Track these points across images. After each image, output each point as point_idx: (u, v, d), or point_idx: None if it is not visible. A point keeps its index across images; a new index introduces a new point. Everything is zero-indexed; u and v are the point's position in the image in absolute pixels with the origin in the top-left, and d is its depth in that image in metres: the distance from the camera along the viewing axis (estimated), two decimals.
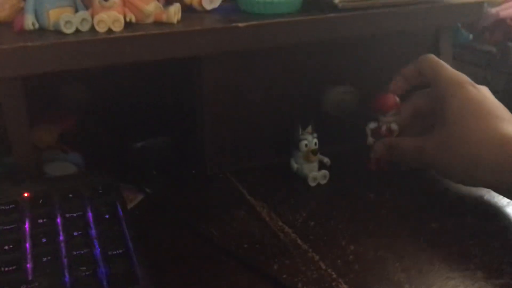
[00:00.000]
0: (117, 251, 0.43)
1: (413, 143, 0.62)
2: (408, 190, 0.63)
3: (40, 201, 0.49)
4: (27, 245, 0.44)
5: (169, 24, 0.57)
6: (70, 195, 0.50)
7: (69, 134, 0.67)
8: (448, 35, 0.74)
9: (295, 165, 0.65)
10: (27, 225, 0.47)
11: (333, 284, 0.48)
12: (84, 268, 0.42)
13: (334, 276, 0.49)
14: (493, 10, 0.95)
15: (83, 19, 0.53)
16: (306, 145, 0.64)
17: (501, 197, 0.59)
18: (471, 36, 0.97)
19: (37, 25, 0.53)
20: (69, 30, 0.52)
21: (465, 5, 0.70)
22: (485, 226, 0.56)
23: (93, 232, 0.46)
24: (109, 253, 0.43)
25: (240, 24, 0.57)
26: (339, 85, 0.68)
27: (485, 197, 0.61)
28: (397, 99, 0.65)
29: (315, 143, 0.64)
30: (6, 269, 0.41)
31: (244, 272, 0.49)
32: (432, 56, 0.65)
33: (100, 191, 0.51)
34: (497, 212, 0.58)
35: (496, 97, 0.97)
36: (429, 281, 0.48)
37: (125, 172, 0.65)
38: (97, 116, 0.69)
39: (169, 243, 0.53)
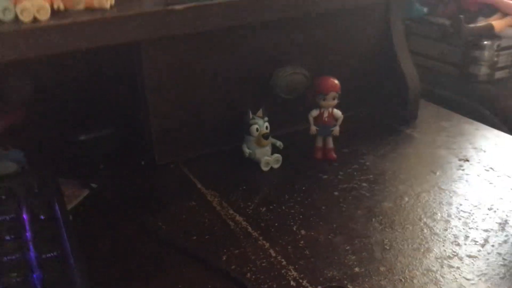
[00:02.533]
0: (52, 254, 0.41)
1: None
2: (362, 170, 0.62)
3: None
4: None
5: (101, 9, 0.53)
6: (3, 197, 0.47)
7: (9, 129, 0.64)
8: (399, 9, 0.72)
9: (247, 151, 0.63)
10: None
11: (283, 271, 0.46)
12: (15, 274, 0.39)
13: (284, 263, 0.47)
14: None
15: (5, 8, 0.49)
16: (257, 129, 0.62)
17: (459, 173, 0.59)
18: (425, 9, 0.96)
19: None
20: None
21: None
22: (441, 205, 0.55)
23: (28, 234, 0.44)
24: (43, 256, 0.41)
25: (177, 7, 0.54)
26: (287, 66, 0.66)
27: (437, 174, 0.61)
28: (336, 81, 0.63)
29: (266, 127, 0.63)
30: None
31: (191, 266, 0.48)
32: None
33: (36, 191, 0.48)
34: (450, 191, 0.58)
35: (452, 70, 0.98)
36: (380, 262, 0.47)
37: (69, 167, 0.62)
38: (38, 110, 0.66)
39: (113, 240, 0.51)
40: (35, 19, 0.50)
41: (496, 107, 0.95)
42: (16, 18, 0.50)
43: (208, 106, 0.65)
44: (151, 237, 0.52)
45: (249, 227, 0.53)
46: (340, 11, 0.68)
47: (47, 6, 0.50)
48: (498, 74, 0.98)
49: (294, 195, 0.58)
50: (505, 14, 0.94)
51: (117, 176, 0.63)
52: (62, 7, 0.52)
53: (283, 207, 0.56)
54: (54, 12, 0.51)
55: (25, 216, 0.46)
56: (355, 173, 0.62)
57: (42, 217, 0.45)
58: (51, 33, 0.49)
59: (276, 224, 0.53)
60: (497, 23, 0.92)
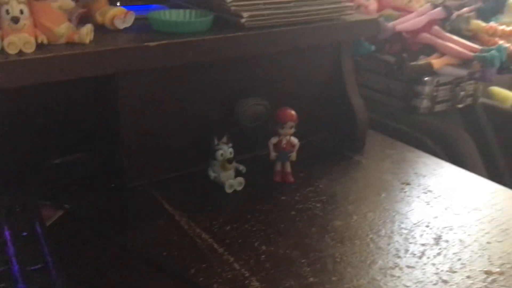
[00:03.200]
0: (36, 266, 0.45)
1: None
2: (316, 192, 0.69)
3: None
4: None
5: (81, 44, 0.58)
6: None
7: None
8: (348, 48, 0.81)
9: (212, 174, 0.69)
10: None
11: (246, 282, 0.52)
12: (3, 285, 0.43)
13: (247, 275, 0.53)
14: (390, 24, 1.04)
15: None
16: (222, 154, 0.68)
17: (404, 192, 0.67)
18: (373, 47, 1.06)
19: None
20: None
21: (363, 22, 0.77)
22: (385, 223, 0.62)
23: (11, 250, 0.47)
24: (27, 269, 0.45)
25: (151, 44, 0.60)
26: (250, 98, 0.72)
27: (382, 196, 0.68)
28: (293, 112, 0.70)
29: (231, 152, 0.68)
30: None
31: (163, 279, 0.52)
32: None
33: (17, 210, 0.52)
34: (393, 210, 0.65)
35: (397, 103, 1.07)
36: (331, 273, 0.53)
37: (43, 189, 0.66)
38: (12, 133, 0.69)
39: (90, 257, 0.55)
40: (20, 52, 0.54)
41: (436, 136, 1.05)
42: (3, 51, 0.54)
43: (176, 132, 0.70)
44: (124, 254, 0.56)
45: (215, 244, 0.58)
46: (296, 49, 0.76)
47: (33, 40, 0.54)
48: (438, 107, 1.08)
49: (255, 215, 0.63)
50: (442, 54, 1.04)
51: (89, 198, 0.66)
52: (45, 41, 0.56)
53: (246, 226, 0.61)
54: (38, 45, 0.56)
55: (7, 233, 0.50)
56: (310, 194, 0.68)
57: (24, 233, 0.49)
58: (35, 65, 0.53)
59: (239, 241, 0.58)
60: (436, 61, 1.02)
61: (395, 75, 1.04)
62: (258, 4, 0.68)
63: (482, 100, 1.15)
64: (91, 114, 0.70)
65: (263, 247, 0.57)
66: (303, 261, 0.55)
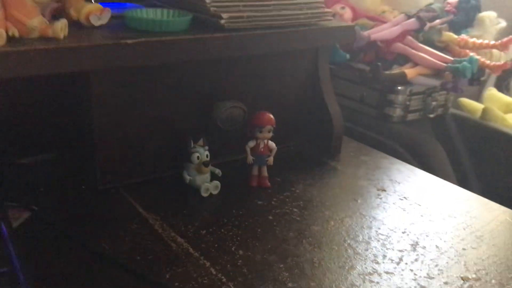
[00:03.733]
0: (2, 270, 0.42)
1: None
2: (293, 197, 0.68)
3: None
4: None
5: (55, 39, 0.56)
6: None
7: None
8: (326, 54, 0.81)
9: (187, 177, 0.67)
10: None
11: (223, 287, 0.50)
12: None
13: (224, 280, 0.51)
14: (366, 33, 1.05)
15: None
16: (198, 157, 0.66)
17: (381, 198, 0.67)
18: (347, 55, 1.06)
19: None
20: None
21: (340, 28, 0.77)
22: (363, 229, 0.62)
23: None
24: None
25: (129, 41, 0.58)
26: (227, 100, 0.71)
27: (359, 202, 0.68)
28: (271, 115, 0.69)
29: (207, 155, 0.67)
30: None
31: (136, 285, 0.50)
32: None
33: None
34: (370, 216, 0.65)
35: (370, 111, 1.08)
36: (310, 278, 0.52)
37: (9, 190, 0.63)
38: None
39: (58, 261, 0.52)
40: None
41: (408, 144, 1.06)
42: None
43: (151, 134, 0.69)
44: (95, 258, 0.54)
45: (190, 248, 0.56)
46: (274, 53, 0.75)
47: (3, 33, 0.52)
48: (410, 116, 1.09)
49: (232, 219, 0.62)
50: (416, 64, 1.06)
51: (58, 199, 0.64)
52: (16, 34, 0.54)
53: (222, 230, 0.60)
54: (8, 39, 0.53)
55: None
56: (287, 199, 0.67)
57: None
58: (6, 59, 0.51)
59: (216, 245, 0.57)
60: (409, 71, 1.04)
61: (369, 83, 1.05)
62: (238, 5, 0.67)
63: (452, 110, 1.17)
64: (61, 112, 0.68)
65: (240, 252, 0.56)
66: (281, 266, 0.54)
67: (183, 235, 0.58)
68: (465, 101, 1.25)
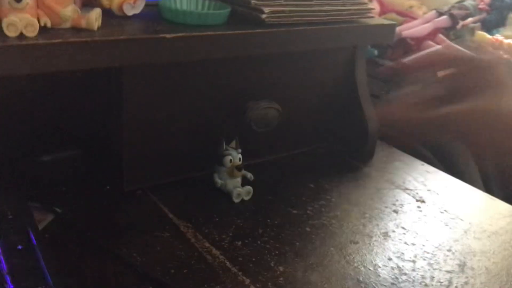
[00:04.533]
0: None
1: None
2: (329, 206, 0.64)
3: None
4: None
5: (88, 30, 0.52)
6: None
7: None
8: (363, 53, 0.77)
9: (219, 181, 0.63)
10: None
11: None
12: None
13: None
14: (397, 29, 1.01)
15: None
16: (230, 160, 0.62)
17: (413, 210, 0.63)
18: (376, 52, 1.02)
19: None
20: None
21: (381, 26, 0.73)
22: (407, 245, 0.58)
23: (4, 266, 0.41)
24: None
25: (168, 35, 0.53)
26: (262, 100, 0.67)
27: (399, 214, 0.64)
28: None
29: (240, 159, 0.63)
30: None
31: None
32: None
33: (10, 217, 0.45)
34: (412, 231, 0.62)
35: None
36: None
37: (31, 190, 0.59)
38: None
39: (89, 272, 0.49)
40: (21, 35, 0.47)
41: (433, 145, 1.02)
42: (1, 33, 0.47)
43: (180, 134, 0.64)
44: (127, 269, 0.50)
45: (227, 262, 0.53)
46: (310, 51, 0.71)
47: (36, 23, 0.47)
48: None
49: (267, 230, 0.58)
50: None
51: (82, 201, 0.60)
52: (49, 24, 0.49)
53: (259, 242, 0.56)
54: (40, 29, 0.49)
55: None
56: (322, 209, 0.64)
57: (19, 247, 0.43)
58: (39, 52, 0.46)
59: (253, 259, 0.53)
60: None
61: (397, 80, 1.00)
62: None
63: None
64: (86, 108, 0.64)
65: (280, 268, 0.52)
66: (325, 286, 0.50)
67: (218, 246, 0.55)
68: None
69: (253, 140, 0.69)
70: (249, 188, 0.64)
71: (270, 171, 0.69)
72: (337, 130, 0.79)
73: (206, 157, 0.65)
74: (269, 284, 0.50)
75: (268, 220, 0.60)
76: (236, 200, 0.63)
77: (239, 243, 0.56)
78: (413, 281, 0.52)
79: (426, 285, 0.52)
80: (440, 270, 0.54)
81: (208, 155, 0.64)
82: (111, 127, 0.62)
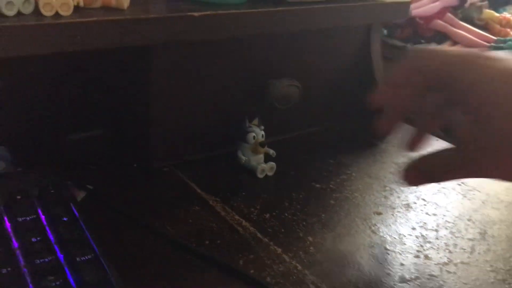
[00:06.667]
0: (86, 257, 0.40)
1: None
2: (351, 180, 0.66)
3: None
4: None
5: (118, 9, 0.53)
6: (18, 196, 0.45)
7: None
8: (379, 31, 0.78)
9: (243, 157, 0.65)
10: None
11: (300, 276, 0.49)
12: (53, 277, 0.38)
13: (300, 268, 0.50)
14: None
15: (26, 0, 0.47)
16: (254, 137, 0.64)
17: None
18: (385, 31, 1.03)
19: None
20: (10, 12, 0.46)
21: (398, 4, 0.74)
22: (428, 215, 0.60)
23: (51, 236, 0.42)
24: (78, 259, 0.40)
25: (196, 14, 0.55)
26: (283, 78, 0.68)
27: (418, 187, 0.66)
28: None
29: (262, 135, 0.65)
30: None
31: (211, 270, 0.48)
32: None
33: (52, 191, 0.47)
34: (433, 203, 0.63)
35: None
36: (386, 268, 0.51)
37: (60, 168, 0.60)
38: (24, 106, 0.63)
39: (127, 244, 0.50)
40: (56, 14, 0.48)
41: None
42: (36, 12, 0.48)
43: (205, 111, 0.66)
44: (163, 242, 0.52)
45: (258, 233, 0.54)
46: (328, 29, 0.72)
47: (70, 1, 0.49)
48: None
49: (293, 203, 0.60)
50: (455, 43, 1.03)
51: (110, 178, 0.61)
52: (82, 3, 0.50)
53: (286, 214, 0.58)
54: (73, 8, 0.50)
55: (43, 217, 0.45)
56: (344, 183, 0.65)
57: (65, 218, 0.44)
58: (75, 30, 0.48)
59: (282, 230, 0.55)
60: None
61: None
62: None
63: None
64: (115, 87, 0.65)
65: (310, 238, 0.54)
66: (354, 254, 0.52)
67: (247, 218, 0.56)
68: None
69: (274, 118, 0.70)
70: (272, 164, 0.65)
71: (290, 147, 0.71)
72: (353, 107, 0.80)
73: (229, 134, 0.66)
74: (300, 253, 0.52)
75: (293, 194, 0.62)
76: (260, 176, 0.64)
77: (267, 215, 0.57)
78: (438, 248, 0.54)
79: (450, 251, 0.54)
80: (462, 238, 0.56)
81: (232, 132, 0.66)
82: (138, 106, 0.63)
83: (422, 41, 0.99)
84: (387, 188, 0.65)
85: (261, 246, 0.52)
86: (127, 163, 0.64)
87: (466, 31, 1.02)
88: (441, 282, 0.49)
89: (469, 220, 0.60)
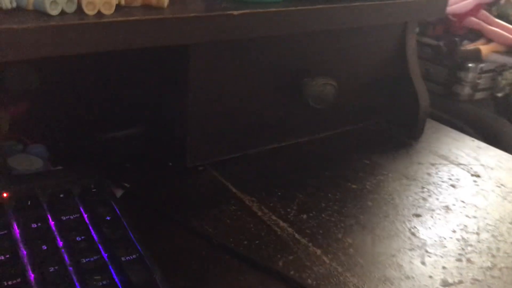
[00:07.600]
0: (131, 257, 0.40)
1: None
2: (388, 181, 0.65)
3: (29, 203, 0.44)
4: (24, 253, 0.40)
5: (158, 8, 0.53)
6: (61, 195, 0.45)
7: (28, 123, 0.61)
8: (414, 29, 0.76)
9: None
10: (16, 231, 0.42)
11: (341, 278, 0.48)
12: (99, 277, 0.38)
13: (340, 270, 0.49)
14: None
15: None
16: None
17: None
18: (417, 29, 1.01)
19: (14, 4, 0.47)
20: (54, 11, 0.46)
21: (434, 1, 0.72)
22: (469, 218, 0.59)
23: (95, 236, 0.43)
24: (123, 259, 0.40)
25: (235, 12, 0.54)
26: (319, 77, 0.67)
27: (457, 189, 0.65)
28: None
29: None
30: (10, 282, 0.36)
31: (250, 271, 0.48)
32: None
33: (94, 190, 0.47)
34: (472, 205, 0.62)
35: (436, 89, 1.04)
36: (428, 272, 0.50)
37: (96, 166, 0.60)
38: (62, 105, 0.63)
39: (166, 243, 0.50)
40: (98, 13, 0.48)
41: (477, 124, 1.02)
42: (78, 11, 0.48)
43: (240, 110, 0.65)
44: (202, 242, 0.51)
45: (296, 234, 0.54)
46: (363, 27, 0.71)
47: (113, 0, 0.48)
48: (478, 95, 1.05)
49: (330, 204, 0.59)
50: (489, 40, 1.01)
51: (146, 177, 0.61)
52: (123, 2, 0.50)
53: (323, 215, 0.57)
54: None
55: (85, 216, 0.45)
56: (381, 184, 0.64)
57: (108, 217, 0.44)
58: (117, 30, 0.47)
59: (321, 232, 0.54)
60: (484, 48, 0.99)
61: (440, 59, 1.00)
62: None
63: None
64: (151, 85, 0.65)
65: (348, 240, 0.53)
66: (395, 258, 0.51)
67: (284, 219, 0.56)
68: None
69: (309, 117, 0.69)
70: None
71: (325, 147, 0.70)
72: (388, 106, 0.79)
73: (264, 133, 0.66)
74: (340, 254, 0.51)
75: (330, 195, 0.61)
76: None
77: (304, 216, 0.57)
78: (480, 252, 0.53)
79: (493, 255, 0.53)
80: (505, 242, 0.55)
81: (264, 131, 0.65)
82: (175, 104, 0.63)
83: (456, 39, 0.96)
84: (424, 189, 0.64)
85: (300, 247, 0.52)
86: (163, 162, 0.64)
87: (501, 28, 1.00)
88: (486, 287, 0.48)
89: (511, 223, 0.59)
